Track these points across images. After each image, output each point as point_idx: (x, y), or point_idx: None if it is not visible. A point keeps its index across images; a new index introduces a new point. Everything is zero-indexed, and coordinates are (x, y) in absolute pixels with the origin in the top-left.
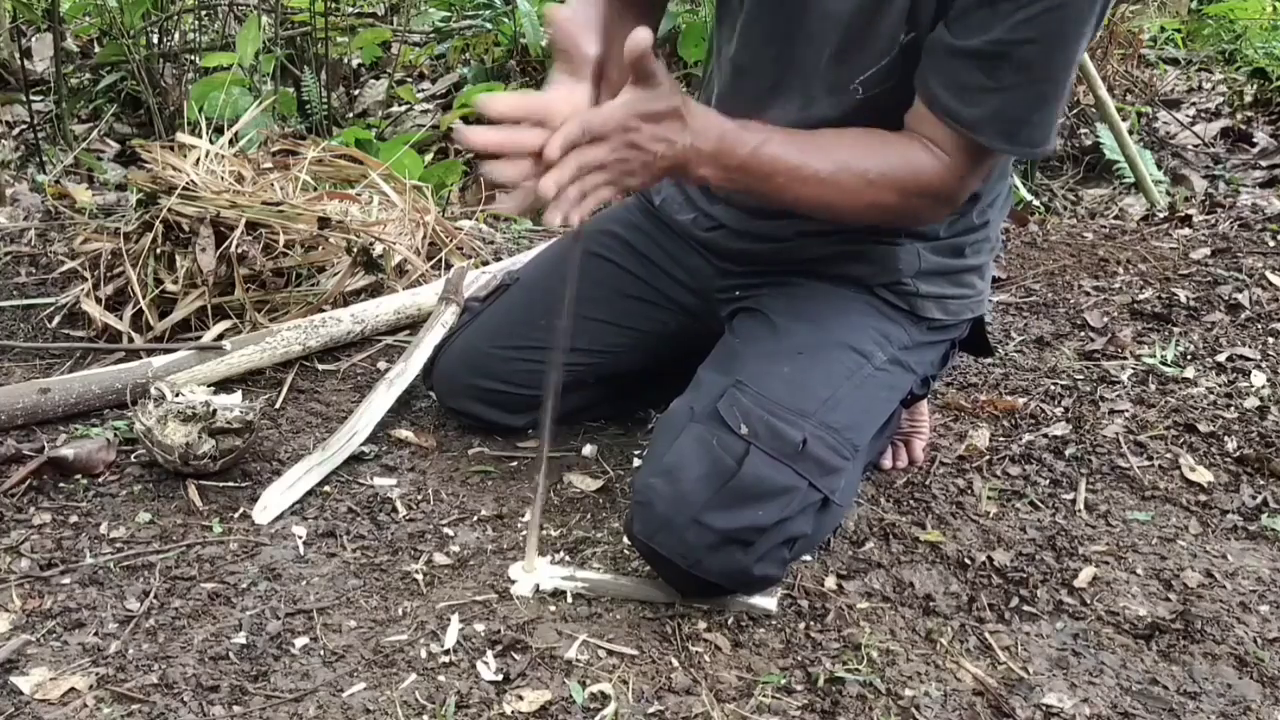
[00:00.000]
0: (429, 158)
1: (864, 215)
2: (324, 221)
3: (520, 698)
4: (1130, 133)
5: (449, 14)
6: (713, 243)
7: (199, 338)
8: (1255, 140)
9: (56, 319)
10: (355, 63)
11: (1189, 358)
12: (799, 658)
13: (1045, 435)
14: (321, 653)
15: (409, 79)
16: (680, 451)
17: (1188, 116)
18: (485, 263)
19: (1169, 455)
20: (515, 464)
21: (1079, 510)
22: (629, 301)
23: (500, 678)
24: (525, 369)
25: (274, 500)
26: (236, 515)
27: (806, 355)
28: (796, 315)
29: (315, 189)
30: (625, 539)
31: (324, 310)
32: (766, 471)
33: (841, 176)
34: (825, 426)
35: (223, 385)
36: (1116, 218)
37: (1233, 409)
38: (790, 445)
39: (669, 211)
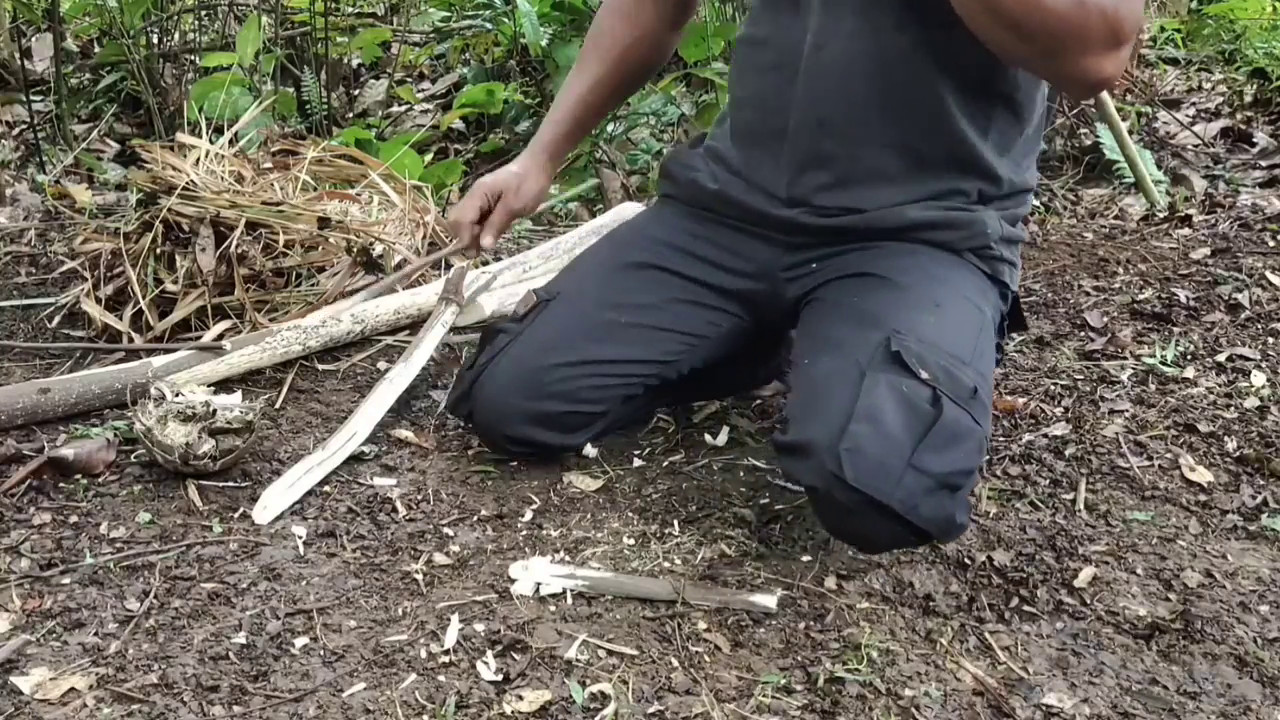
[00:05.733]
0: (429, 158)
1: (1057, 29)
2: (324, 221)
3: (520, 698)
4: (1130, 133)
5: (449, 14)
6: (792, 221)
7: (199, 338)
8: (1255, 140)
9: (56, 319)
10: (355, 63)
11: (1189, 358)
12: (799, 658)
13: (1045, 435)
14: (321, 653)
15: (409, 79)
16: (874, 397)
17: (1188, 116)
18: (485, 263)
19: (1169, 455)
20: (515, 464)
21: (1079, 510)
22: (681, 306)
23: (500, 678)
24: (590, 384)
25: (274, 500)
26: (236, 515)
27: (944, 307)
28: (913, 272)
29: (315, 189)
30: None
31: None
32: (958, 414)
33: None
34: (980, 375)
35: (223, 385)
36: (1116, 218)
37: (1233, 409)
38: (967, 390)
39: (732, 193)
